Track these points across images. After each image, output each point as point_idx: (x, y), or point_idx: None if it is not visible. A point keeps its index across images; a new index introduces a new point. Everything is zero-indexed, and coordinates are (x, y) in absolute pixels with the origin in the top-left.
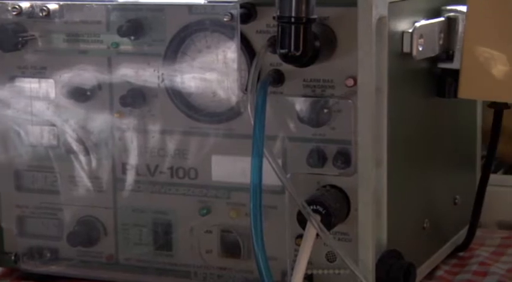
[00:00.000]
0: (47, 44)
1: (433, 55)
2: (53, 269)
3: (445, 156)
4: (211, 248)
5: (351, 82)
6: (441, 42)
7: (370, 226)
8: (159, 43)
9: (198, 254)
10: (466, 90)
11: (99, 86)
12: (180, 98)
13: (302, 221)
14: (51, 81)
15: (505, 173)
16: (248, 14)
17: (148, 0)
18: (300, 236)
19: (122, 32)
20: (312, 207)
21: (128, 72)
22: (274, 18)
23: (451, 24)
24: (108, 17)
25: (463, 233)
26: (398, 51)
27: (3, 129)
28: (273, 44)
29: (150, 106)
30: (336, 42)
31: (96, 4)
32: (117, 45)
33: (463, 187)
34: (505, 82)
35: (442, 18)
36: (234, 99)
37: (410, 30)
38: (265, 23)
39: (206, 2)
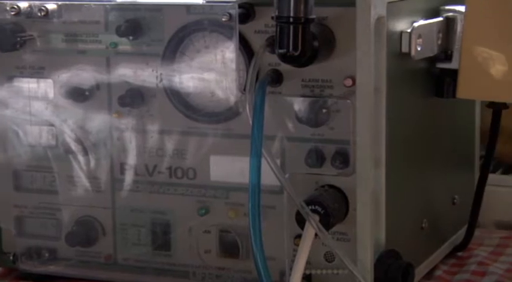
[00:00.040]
0: (46, 44)
1: (431, 55)
2: (52, 269)
3: (444, 156)
4: (210, 248)
5: (349, 82)
6: (439, 42)
7: (369, 226)
8: (157, 43)
9: (197, 254)
10: (464, 90)
11: (98, 86)
12: (178, 98)
13: (300, 221)
14: (49, 81)
15: (504, 173)
16: (246, 14)
17: (147, 0)
18: (299, 236)
19: (120, 32)
20: (310, 207)
21: (127, 72)
22: (272, 18)
23: (449, 24)
24: (106, 17)
25: (461, 232)
26: (396, 51)
27: (2, 129)
28: (272, 44)
29: (149, 106)
30: (335, 42)
31: (95, 4)
32: (115, 45)
33: (462, 187)
34: (503, 82)
35: (440, 18)
36: (232, 99)
37: (409, 30)
38: (264, 23)
39: (204, 2)
